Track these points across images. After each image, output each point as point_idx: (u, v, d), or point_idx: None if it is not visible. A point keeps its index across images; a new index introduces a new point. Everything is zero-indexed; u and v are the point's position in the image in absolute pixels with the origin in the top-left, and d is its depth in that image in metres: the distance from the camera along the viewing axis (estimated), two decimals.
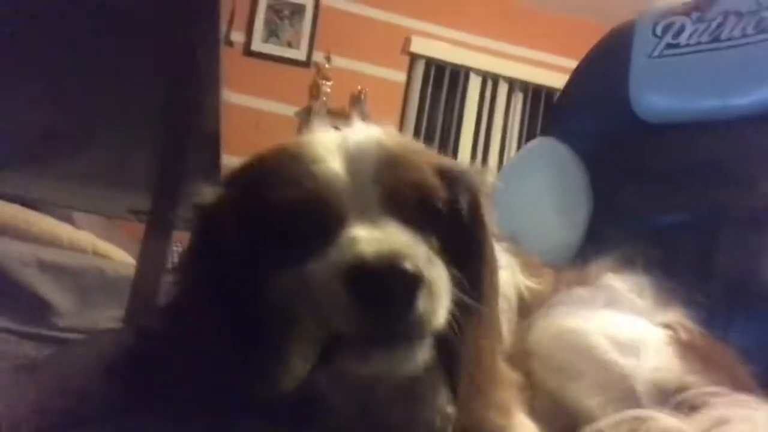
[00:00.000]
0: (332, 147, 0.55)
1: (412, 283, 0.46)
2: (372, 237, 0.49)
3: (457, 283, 0.52)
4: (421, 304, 0.47)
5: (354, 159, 0.54)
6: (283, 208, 0.52)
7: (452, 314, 0.51)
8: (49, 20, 0.69)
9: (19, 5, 0.63)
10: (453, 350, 0.53)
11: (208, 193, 0.56)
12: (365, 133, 0.58)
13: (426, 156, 0.59)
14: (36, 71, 0.86)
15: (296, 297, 0.50)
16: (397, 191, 0.53)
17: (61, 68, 0.84)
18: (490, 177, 0.63)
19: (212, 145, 1.00)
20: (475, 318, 0.54)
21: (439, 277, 0.50)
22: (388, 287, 0.46)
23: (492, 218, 0.61)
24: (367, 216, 0.51)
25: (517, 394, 0.59)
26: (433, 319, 0.49)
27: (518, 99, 4.16)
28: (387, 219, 0.51)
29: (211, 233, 0.54)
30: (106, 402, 0.52)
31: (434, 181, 0.56)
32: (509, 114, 4.15)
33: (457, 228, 0.57)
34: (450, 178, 0.58)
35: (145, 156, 1.16)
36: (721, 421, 0.53)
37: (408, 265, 0.46)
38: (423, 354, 0.50)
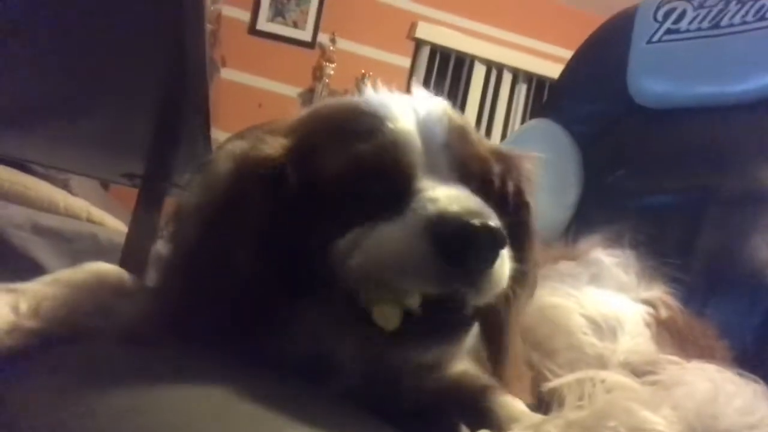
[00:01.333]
0: (404, 107, 0.54)
1: (499, 240, 0.47)
2: (453, 196, 0.49)
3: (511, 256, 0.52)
4: (498, 264, 0.48)
5: (426, 122, 0.54)
6: (355, 161, 0.51)
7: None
8: None
9: None
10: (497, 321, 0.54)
11: (267, 142, 0.54)
12: (432, 100, 0.57)
13: (477, 132, 0.60)
14: (35, 37, 0.87)
15: (363, 256, 0.49)
16: (465, 159, 0.54)
17: (59, 34, 0.85)
18: (536, 165, 0.63)
19: (201, 112, 1.00)
20: (518, 294, 0.55)
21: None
22: (477, 241, 0.46)
23: (536, 202, 0.62)
24: (437, 178, 0.51)
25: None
26: (501, 283, 0.49)
27: (522, 89, 4.15)
28: (455, 184, 0.52)
29: (269, 183, 0.52)
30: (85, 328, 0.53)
31: (492, 158, 0.57)
32: (512, 104, 4.14)
33: (505, 208, 0.57)
34: (502, 159, 0.59)
35: (139, 122, 1.17)
36: (669, 382, 0.54)
37: (494, 223, 0.46)
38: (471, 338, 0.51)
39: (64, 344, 0.52)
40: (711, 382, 0.52)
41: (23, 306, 0.53)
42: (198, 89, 0.89)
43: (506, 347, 0.56)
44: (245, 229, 0.51)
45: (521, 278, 0.54)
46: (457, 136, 0.55)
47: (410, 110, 0.54)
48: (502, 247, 0.47)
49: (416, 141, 0.52)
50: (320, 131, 0.55)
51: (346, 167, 0.51)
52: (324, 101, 0.59)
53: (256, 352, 0.49)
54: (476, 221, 0.45)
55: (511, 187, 0.59)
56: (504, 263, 0.49)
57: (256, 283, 0.50)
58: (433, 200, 0.48)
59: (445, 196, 0.49)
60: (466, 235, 0.45)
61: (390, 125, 0.52)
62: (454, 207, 0.47)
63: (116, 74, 0.99)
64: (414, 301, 0.48)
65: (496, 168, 0.57)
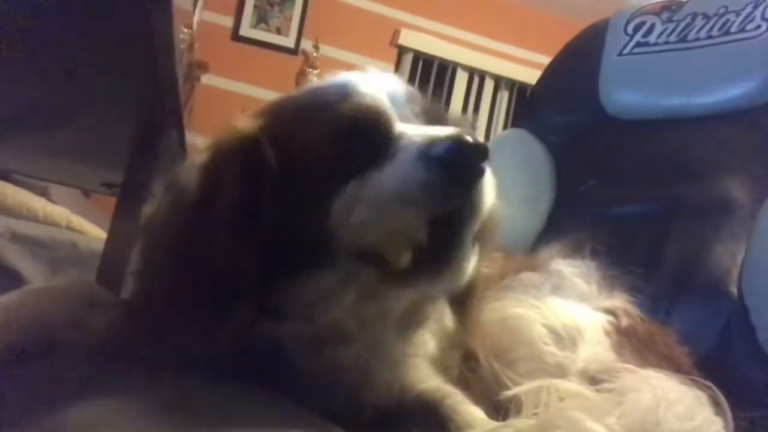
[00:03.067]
0: (365, 79, 0.60)
1: (485, 149, 0.51)
2: (433, 129, 0.54)
3: None
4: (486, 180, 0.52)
5: (387, 86, 0.59)
6: (332, 125, 0.55)
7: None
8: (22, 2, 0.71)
9: None
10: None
11: (242, 124, 0.57)
12: (384, 74, 0.63)
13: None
14: (9, 47, 0.88)
15: (366, 204, 0.52)
16: (427, 109, 0.60)
17: (38, 45, 0.86)
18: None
19: (177, 126, 1.01)
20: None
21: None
22: (469, 150, 0.50)
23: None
24: (411, 124, 0.56)
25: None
26: (488, 200, 0.53)
27: (504, 96, 4.20)
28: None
29: (245, 161, 0.55)
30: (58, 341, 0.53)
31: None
32: (494, 111, 4.18)
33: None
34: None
35: (117, 130, 1.18)
36: (621, 389, 0.56)
37: (484, 143, 0.51)
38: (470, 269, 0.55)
39: (37, 357, 0.53)
40: (655, 389, 0.55)
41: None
42: (172, 104, 0.90)
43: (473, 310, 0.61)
44: (225, 210, 0.53)
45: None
46: (414, 94, 0.62)
47: (370, 80, 0.60)
48: (488, 156, 0.51)
49: (383, 98, 0.58)
50: (292, 108, 0.60)
51: (324, 133, 0.55)
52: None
53: (232, 353, 0.51)
54: (464, 135, 0.50)
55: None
56: (489, 181, 0.53)
57: (240, 264, 0.52)
58: (418, 135, 0.53)
59: (427, 130, 0.54)
60: (459, 147, 0.50)
61: (357, 90, 0.58)
62: (440, 133, 0.52)
63: (94, 87, 1.01)
64: (422, 234, 0.51)
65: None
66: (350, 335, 0.56)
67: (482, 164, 0.51)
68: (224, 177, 0.54)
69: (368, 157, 0.53)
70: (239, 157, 0.55)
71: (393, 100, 0.58)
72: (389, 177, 0.52)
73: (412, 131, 0.54)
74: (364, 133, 0.55)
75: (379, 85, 0.59)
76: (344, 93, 0.57)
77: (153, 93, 0.95)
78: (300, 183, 0.54)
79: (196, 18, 3.17)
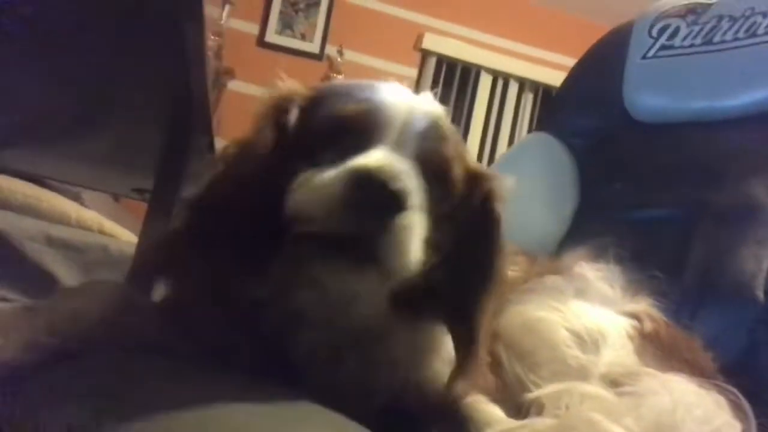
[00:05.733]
0: (403, 97, 0.62)
1: (395, 199, 0.52)
2: (383, 158, 0.55)
3: (437, 245, 0.57)
4: (398, 226, 0.53)
5: (413, 113, 0.60)
6: (336, 114, 0.59)
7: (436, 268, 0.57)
8: (57, 11, 0.74)
9: None
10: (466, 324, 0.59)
11: (282, 85, 0.64)
12: (431, 103, 0.64)
13: (463, 149, 0.65)
14: (44, 55, 0.91)
15: (300, 194, 0.55)
16: (432, 155, 0.59)
17: (68, 52, 0.89)
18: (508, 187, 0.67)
19: (207, 133, 1.04)
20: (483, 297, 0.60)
21: (415, 219, 0.55)
22: (379, 194, 0.52)
23: (504, 216, 0.65)
24: (394, 151, 0.57)
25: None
26: (408, 248, 0.54)
27: (528, 99, 4.17)
28: (407, 162, 0.57)
29: (280, 117, 0.61)
30: (98, 340, 0.56)
31: (461, 167, 0.62)
32: (518, 114, 4.16)
33: (470, 217, 0.62)
34: (474, 174, 0.64)
35: (147, 137, 1.21)
36: (641, 393, 0.56)
37: (398, 186, 0.52)
38: (387, 284, 0.56)
39: (78, 358, 0.56)
40: (673, 392, 0.55)
41: (40, 323, 0.56)
42: (202, 112, 0.93)
43: (473, 352, 0.59)
44: (254, 161, 0.59)
45: (484, 284, 0.59)
46: (436, 136, 0.61)
47: (406, 101, 0.61)
48: (398, 207, 0.53)
49: (396, 120, 0.59)
50: (327, 90, 0.64)
51: (327, 117, 0.59)
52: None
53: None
54: (379, 176, 0.52)
55: (477, 198, 0.63)
56: (410, 231, 0.54)
57: (256, 220, 0.56)
58: (367, 156, 0.55)
59: (378, 156, 0.55)
60: (365, 184, 0.52)
61: (380, 99, 0.60)
62: (373, 163, 0.53)
63: (127, 96, 1.04)
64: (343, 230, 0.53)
65: (462, 175, 0.62)
66: (327, 319, 0.58)
67: (386, 208, 0.52)
68: (259, 125, 0.61)
69: (338, 156, 0.56)
70: (275, 111, 0.62)
71: (406, 125, 0.59)
72: (322, 180, 0.55)
73: (377, 152, 0.56)
74: (351, 135, 0.57)
75: (409, 107, 0.60)
76: (369, 96, 0.60)
77: (183, 101, 0.97)
78: (296, 154, 0.59)
79: (223, 24, 3.22)
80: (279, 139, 0.60)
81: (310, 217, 0.54)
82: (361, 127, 0.58)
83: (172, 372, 0.51)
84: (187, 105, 0.96)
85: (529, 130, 4.13)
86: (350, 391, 0.57)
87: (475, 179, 0.63)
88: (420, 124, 0.60)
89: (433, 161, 0.59)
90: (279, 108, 0.62)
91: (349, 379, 0.58)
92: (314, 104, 0.62)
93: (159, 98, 1.01)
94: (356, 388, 0.57)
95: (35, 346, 0.54)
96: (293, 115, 0.61)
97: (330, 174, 0.54)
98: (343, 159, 0.55)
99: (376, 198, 0.52)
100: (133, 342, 0.56)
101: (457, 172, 0.61)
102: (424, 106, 0.62)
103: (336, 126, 0.58)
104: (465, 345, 0.59)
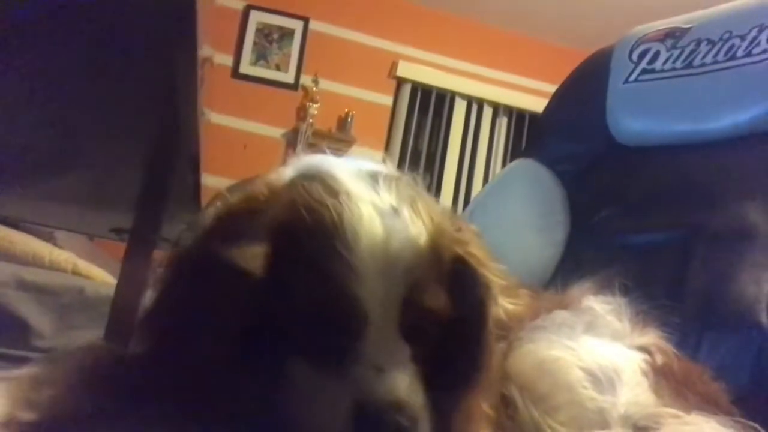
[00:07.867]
0: (373, 224, 0.53)
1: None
2: (383, 382, 0.51)
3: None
4: None
5: (388, 254, 0.52)
6: (312, 302, 0.52)
7: None
8: (32, 41, 0.70)
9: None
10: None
11: (244, 251, 0.52)
12: (406, 221, 0.54)
13: (450, 241, 0.58)
14: (17, 91, 0.87)
15: (292, 400, 0.52)
16: (419, 312, 0.54)
17: (43, 88, 0.85)
18: (502, 277, 0.64)
19: (193, 165, 1.01)
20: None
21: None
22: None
23: (493, 318, 0.62)
24: (384, 334, 0.52)
25: None
26: None
27: (503, 123, 4.22)
28: (400, 345, 0.53)
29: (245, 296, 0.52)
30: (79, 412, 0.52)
31: (444, 297, 0.56)
32: (494, 138, 4.20)
33: (458, 327, 0.58)
34: (462, 276, 0.58)
35: (127, 175, 1.17)
36: None
37: (404, 421, 0.49)
38: None
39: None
40: None
41: (18, 396, 0.52)
42: (190, 147, 0.90)
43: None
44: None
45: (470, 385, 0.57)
46: (419, 277, 0.54)
47: (378, 229, 0.53)
48: None
49: (374, 282, 0.51)
50: (293, 222, 0.54)
51: (306, 301, 0.52)
52: (300, 181, 0.57)
53: None
54: (389, 414, 0.49)
55: (468, 306, 0.59)
56: None
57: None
58: (364, 380, 0.51)
59: (384, 383, 0.51)
60: (375, 424, 0.49)
61: (352, 257, 0.51)
62: (381, 395, 0.50)
63: (106, 130, 1.00)
64: None
65: (447, 299, 0.56)
66: None
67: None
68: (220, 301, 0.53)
69: (324, 350, 0.53)
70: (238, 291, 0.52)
71: (388, 280, 0.52)
72: (319, 401, 0.52)
73: (369, 369, 0.51)
74: (332, 326, 0.52)
75: (384, 243, 0.52)
76: (339, 249, 0.51)
77: (166, 137, 0.94)
78: (258, 309, 0.53)
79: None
80: (237, 284, 0.51)
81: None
82: (339, 314, 0.52)
83: None
84: (170, 140, 0.92)
85: (505, 152, 4.17)
86: None
87: (463, 279, 0.58)
88: (402, 265, 0.52)
89: (423, 304, 0.54)
90: (237, 287, 0.52)
91: None
92: (285, 248, 0.52)
93: (139, 135, 0.97)
94: None
95: (13, 423, 0.50)
96: (257, 260, 0.52)
97: (328, 396, 0.51)
98: (334, 350, 0.52)
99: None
100: (114, 413, 0.52)
101: (443, 299, 0.56)
102: (401, 228, 0.53)
103: (316, 312, 0.52)
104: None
